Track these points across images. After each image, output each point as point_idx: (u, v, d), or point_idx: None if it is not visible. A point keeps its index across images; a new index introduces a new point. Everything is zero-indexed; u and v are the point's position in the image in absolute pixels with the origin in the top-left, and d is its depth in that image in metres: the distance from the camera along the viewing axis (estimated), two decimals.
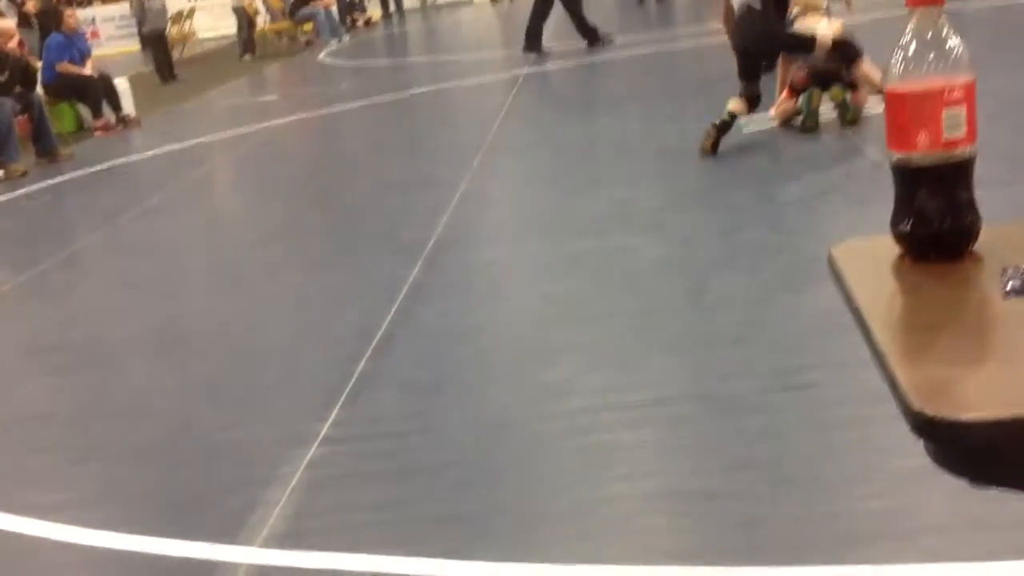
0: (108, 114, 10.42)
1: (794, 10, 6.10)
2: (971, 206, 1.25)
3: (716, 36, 9.80)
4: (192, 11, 19.98)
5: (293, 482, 2.79)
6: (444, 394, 3.26)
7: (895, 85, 1.25)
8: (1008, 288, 1.11)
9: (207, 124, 10.29)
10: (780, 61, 6.39)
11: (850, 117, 5.74)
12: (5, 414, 3.70)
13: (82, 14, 17.65)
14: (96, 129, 10.29)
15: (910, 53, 1.24)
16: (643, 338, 3.45)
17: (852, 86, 5.79)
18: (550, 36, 11.55)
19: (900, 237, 1.28)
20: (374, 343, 3.71)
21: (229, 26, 18.00)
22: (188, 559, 2.53)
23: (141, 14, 15.20)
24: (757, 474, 2.53)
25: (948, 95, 1.21)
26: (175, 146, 8.97)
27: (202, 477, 2.98)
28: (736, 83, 5.73)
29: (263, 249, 5.44)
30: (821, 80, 5.78)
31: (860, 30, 6.18)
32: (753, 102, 5.75)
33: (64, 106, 10.41)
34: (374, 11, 20.69)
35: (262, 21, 17.42)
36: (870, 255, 1.31)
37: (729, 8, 6.11)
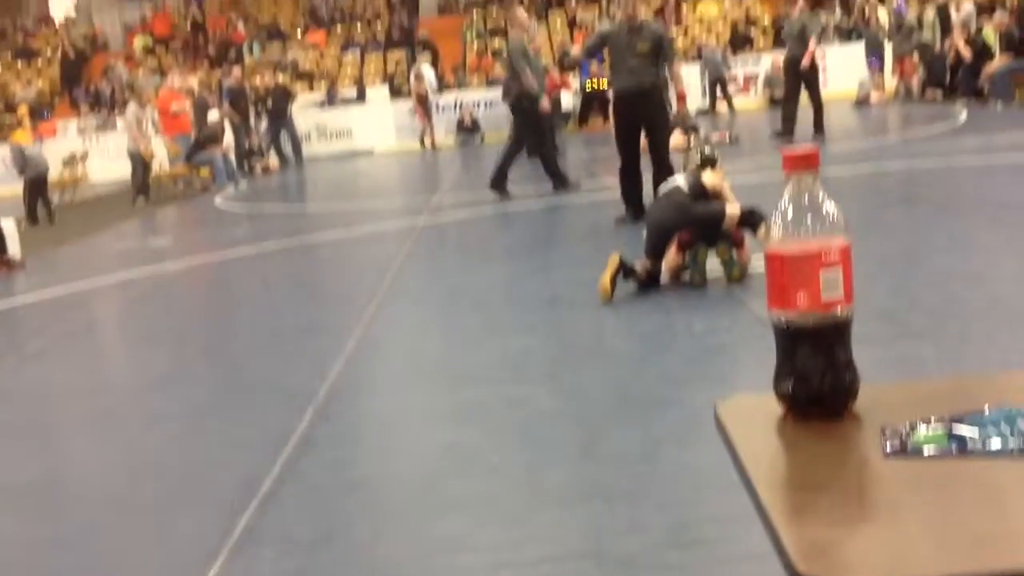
0: None
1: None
2: (849, 366, 1.29)
3: (608, 192, 10.08)
4: (85, 154, 19.88)
5: None
6: (332, 550, 3.16)
7: (774, 247, 1.29)
8: (888, 449, 1.13)
9: (94, 268, 10.10)
10: None
11: (735, 274, 5.92)
12: None
13: None
14: None
15: (788, 216, 1.28)
16: (536, 492, 3.42)
17: (737, 244, 5.99)
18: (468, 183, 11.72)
19: (782, 396, 1.31)
20: (259, 496, 3.60)
21: (123, 169, 17.90)
22: None
23: (21, 160, 15.05)
24: None
25: (825, 257, 1.26)
26: (60, 290, 8.77)
27: None
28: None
29: (145, 397, 5.29)
30: (707, 238, 5.98)
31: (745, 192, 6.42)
32: (655, 280, 6.00)
33: None
34: (272, 158, 20.84)
35: (158, 165, 17.36)
36: (754, 412, 1.32)
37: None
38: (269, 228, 11.87)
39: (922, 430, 1.15)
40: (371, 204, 13.45)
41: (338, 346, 5.55)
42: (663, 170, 8.29)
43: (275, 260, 9.38)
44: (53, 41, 28.13)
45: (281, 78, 22.33)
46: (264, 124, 21.00)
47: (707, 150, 6.76)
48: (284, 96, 21.01)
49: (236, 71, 21.56)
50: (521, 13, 10.82)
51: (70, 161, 19.42)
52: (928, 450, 1.11)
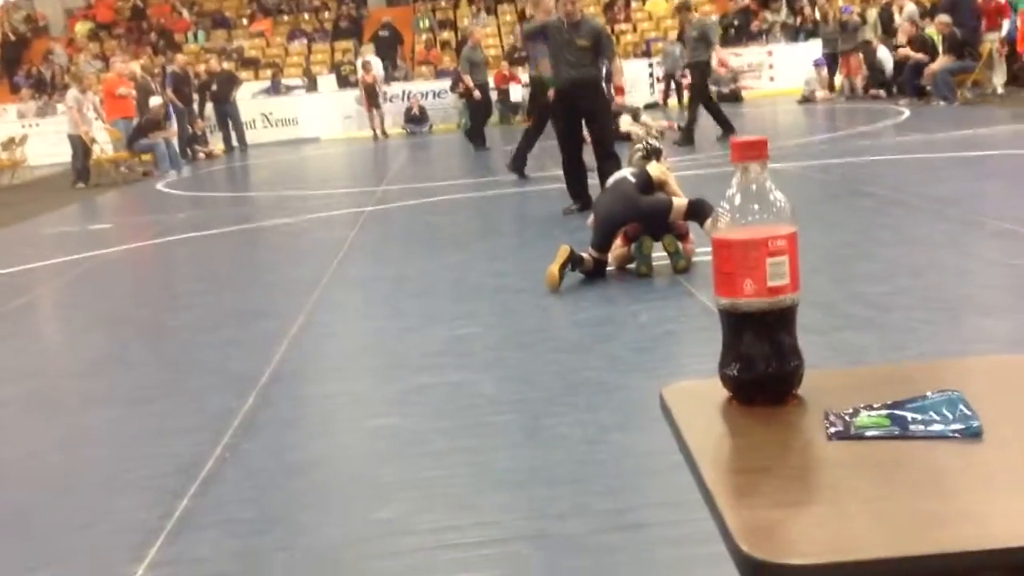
0: None
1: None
2: (795, 351, 1.29)
3: (554, 180, 10.10)
4: (24, 138, 19.52)
5: None
6: (272, 533, 3.13)
7: (721, 233, 1.29)
8: (832, 432, 1.14)
9: (32, 251, 9.92)
10: None
11: (681, 265, 5.95)
12: None
13: None
14: None
15: (736, 204, 1.29)
16: (480, 476, 3.42)
17: (683, 236, 6.03)
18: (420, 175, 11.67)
19: (727, 380, 1.31)
20: (199, 479, 3.56)
21: (63, 154, 17.60)
22: None
23: None
24: None
25: (772, 245, 1.26)
26: None
27: None
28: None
29: (83, 381, 5.21)
30: (653, 229, 6.01)
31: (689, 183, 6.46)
32: (602, 271, 6.05)
33: None
34: (217, 144, 20.61)
35: (98, 150, 17.08)
36: (700, 397, 1.33)
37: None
38: (212, 213, 11.73)
39: (865, 414, 1.16)
40: (317, 191, 13.36)
41: (281, 331, 5.50)
42: (608, 160, 8.32)
43: (218, 245, 9.28)
44: None
45: (226, 65, 22.06)
46: (208, 109, 20.79)
47: (652, 142, 6.81)
48: (229, 81, 20.79)
49: (180, 57, 21.30)
50: None
51: (8, 145, 19.07)
52: (871, 433, 1.13)
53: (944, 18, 16.16)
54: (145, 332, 6.13)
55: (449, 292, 6.23)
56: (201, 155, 19.81)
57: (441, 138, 20.26)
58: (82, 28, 27.00)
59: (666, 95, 21.54)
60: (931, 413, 1.14)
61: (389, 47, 24.12)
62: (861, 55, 19.00)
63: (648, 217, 6.02)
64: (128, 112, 17.50)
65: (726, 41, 23.19)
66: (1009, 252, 5.82)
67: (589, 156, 8.78)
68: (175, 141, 18.17)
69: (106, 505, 3.50)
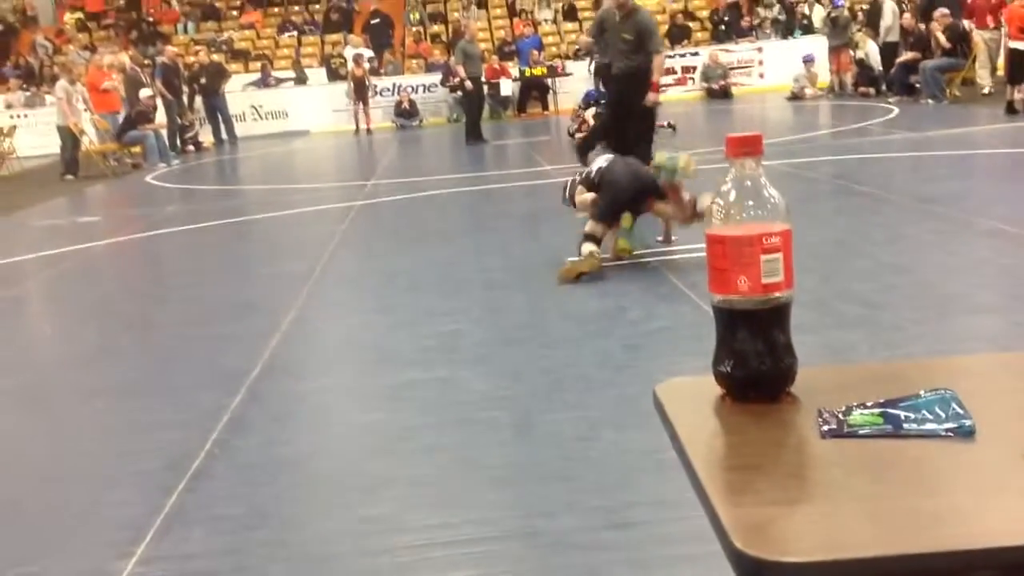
0: None
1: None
2: (788, 349, 1.29)
3: (545, 176, 10.10)
4: (12, 129, 19.42)
5: None
6: (261, 529, 3.13)
7: (716, 230, 1.29)
8: (825, 429, 1.15)
9: (20, 244, 9.88)
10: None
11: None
12: None
13: None
14: None
15: (730, 200, 1.29)
16: (470, 473, 3.42)
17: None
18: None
19: (721, 377, 1.31)
20: (188, 475, 3.55)
21: (52, 145, 17.52)
22: None
23: None
24: None
25: (766, 241, 1.26)
26: None
27: None
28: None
29: (72, 373, 5.19)
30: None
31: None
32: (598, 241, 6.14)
33: None
34: (206, 137, 20.54)
35: (87, 142, 17.00)
36: (693, 394, 1.33)
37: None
38: (202, 207, 11.70)
39: (858, 412, 1.16)
40: (307, 184, 13.33)
41: (271, 326, 5.49)
42: (639, 146, 8.64)
43: (208, 239, 9.26)
44: None
45: (215, 57, 21.98)
46: (198, 102, 20.72)
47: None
48: (218, 74, 20.73)
49: (169, 49, 21.22)
50: None
51: None
52: (864, 431, 1.13)
53: (944, 11, 16.14)
54: (134, 326, 6.11)
55: (439, 287, 6.22)
56: (191, 147, 19.73)
57: (431, 132, 20.23)
58: (71, 18, 26.87)
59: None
60: (924, 412, 1.14)
61: (382, 34, 24.11)
62: (851, 52, 19.02)
63: (656, 194, 6.14)
64: (114, 106, 17.43)
65: (716, 37, 23.26)
66: (997, 250, 5.84)
67: None
68: (164, 133, 18.10)
69: (95, 500, 3.49)
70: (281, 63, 24.65)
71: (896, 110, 15.14)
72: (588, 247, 5.95)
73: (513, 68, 21.96)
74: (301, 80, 23.44)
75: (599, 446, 3.52)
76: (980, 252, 5.90)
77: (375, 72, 22.23)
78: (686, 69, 22.32)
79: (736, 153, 1.28)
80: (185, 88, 20.47)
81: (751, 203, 1.28)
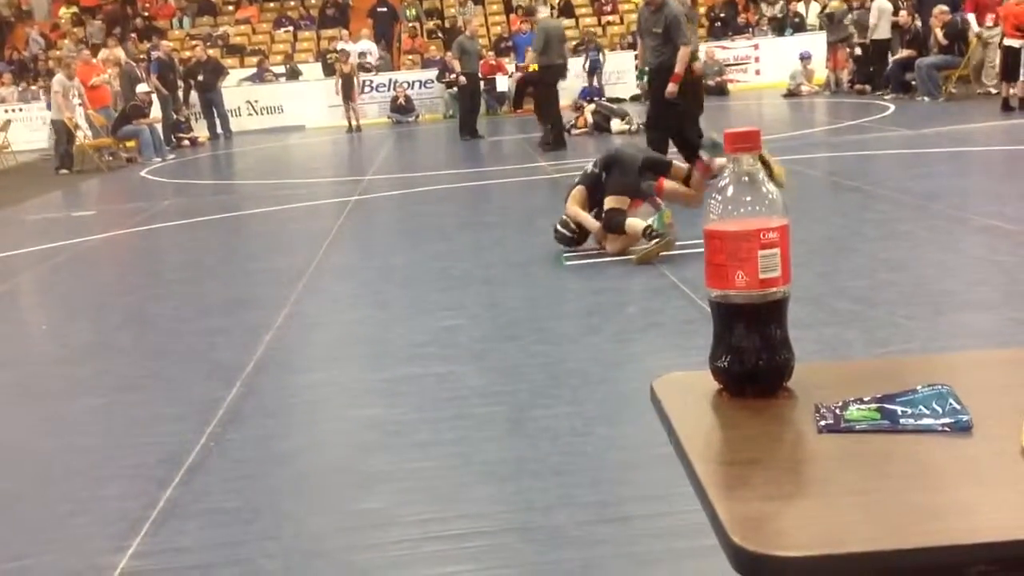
0: None
1: None
2: (785, 344, 1.29)
3: (540, 172, 10.10)
4: (7, 123, 19.38)
5: None
6: (257, 523, 3.12)
7: (713, 225, 1.29)
8: (822, 425, 1.15)
9: (15, 238, 9.85)
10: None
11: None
12: None
13: None
14: None
15: (728, 195, 1.28)
16: (465, 467, 3.42)
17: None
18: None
19: (717, 372, 1.31)
20: (183, 469, 3.55)
21: (47, 139, 17.48)
22: None
23: None
24: None
25: (764, 237, 1.26)
26: None
27: None
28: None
29: (67, 368, 5.18)
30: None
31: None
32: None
33: None
34: (201, 132, 20.51)
35: (82, 136, 16.97)
36: (690, 389, 1.33)
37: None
38: (197, 201, 11.69)
39: (855, 407, 1.17)
40: (302, 179, 13.31)
41: (267, 320, 5.49)
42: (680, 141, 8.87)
43: (203, 233, 9.24)
44: None
45: (211, 52, 21.93)
46: (193, 97, 20.68)
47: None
48: (215, 71, 20.69)
49: (165, 44, 21.17)
50: None
51: None
52: (861, 426, 1.13)
53: (943, 8, 16.13)
54: (129, 320, 6.10)
55: (435, 282, 6.22)
56: (186, 142, 19.70)
57: (428, 128, 20.21)
58: (66, 12, 26.80)
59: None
60: (921, 407, 1.14)
61: (386, 23, 24.12)
62: (847, 48, 19.02)
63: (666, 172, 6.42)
64: (105, 101, 17.39)
65: (713, 34, 23.25)
66: (992, 247, 5.85)
67: None
68: (159, 127, 18.07)
69: (90, 494, 3.48)
70: (277, 58, 24.61)
71: (892, 107, 15.15)
72: (636, 224, 6.15)
73: (509, 64, 21.93)
74: (294, 75, 23.40)
75: (593, 441, 3.52)
76: (975, 249, 5.91)
77: (373, 66, 22.20)
78: None
79: (734, 148, 1.28)
80: (180, 83, 20.43)
81: (748, 198, 1.27)
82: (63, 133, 16.45)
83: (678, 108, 9.15)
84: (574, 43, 21.75)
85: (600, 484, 3.17)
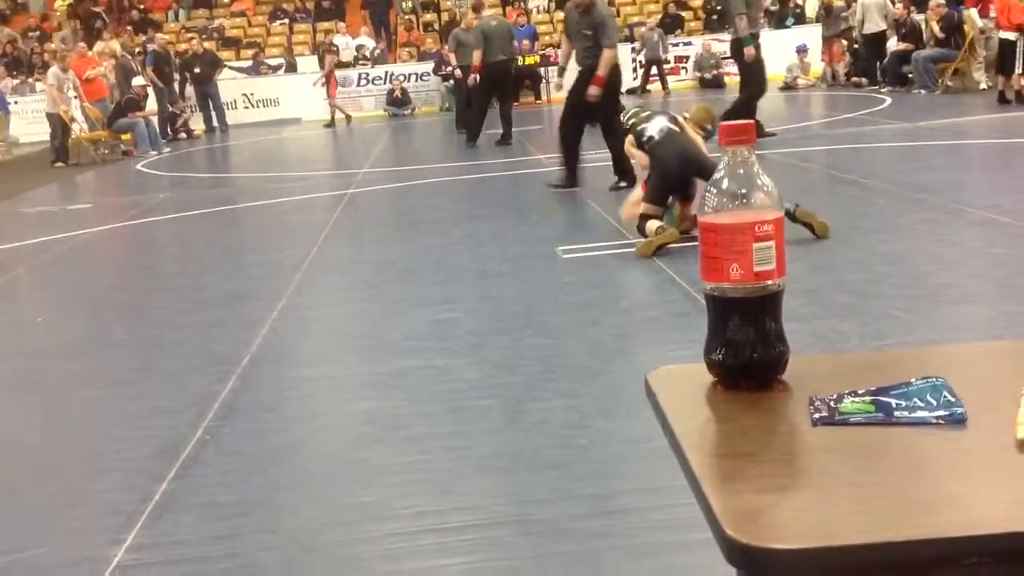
0: None
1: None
2: (780, 337, 1.29)
3: (536, 165, 10.09)
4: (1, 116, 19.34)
5: None
6: (253, 516, 3.13)
7: (708, 218, 1.29)
8: (816, 417, 1.15)
9: (10, 231, 9.84)
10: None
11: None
12: None
13: None
14: None
15: (723, 187, 1.28)
16: (461, 460, 3.42)
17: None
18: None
19: (712, 365, 1.31)
20: (179, 462, 3.55)
21: (43, 132, 17.44)
22: None
23: None
24: None
25: (759, 229, 1.26)
26: None
27: None
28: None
29: (63, 361, 5.18)
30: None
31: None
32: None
33: None
34: (197, 125, 20.47)
35: (78, 129, 16.93)
36: (685, 382, 1.33)
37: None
38: (193, 194, 11.67)
39: (849, 400, 1.17)
40: (298, 172, 13.30)
41: (263, 313, 5.48)
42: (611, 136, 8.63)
43: (199, 226, 9.23)
44: None
45: (207, 45, 21.88)
46: (189, 89, 20.64)
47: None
48: (212, 64, 20.65)
49: (160, 36, 21.12)
50: None
51: None
52: (855, 419, 1.13)
53: (940, 1, 16.10)
54: (125, 313, 6.10)
55: (431, 276, 6.21)
56: (182, 135, 19.67)
57: (424, 121, 20.18)
58: (62, 5, 26.73)
59: (645, 83, 21.47)
60: (915, 399, 1.14)
61: (382, 12, 24.08)
62: (844, 42, 19.00)
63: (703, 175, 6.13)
64: (101, 93, 17.36)
65: (709, 27, 23.22)
66: (989, 240, 5.85)
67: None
68: (155, 120, 18.03)
69: (86, 487, 3.48)
70: (272, 51, 24.56)
71: (888, 100, 15.14)
72: (653, 225, 6.11)
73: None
74: (291, 67, 23.36)
75: (590, 434, 3.52)
76: (972, 242, 5.91)
77: (375, 59, 22.19)
78: (679, 59, 22.29)
79: (729, 141, 1.28)
80: (176, 75, 20.38)
81: (744, 191, 1.27)
82: (58, 126, 16.41)
83: (596, 110, 9.06)
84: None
85: (596, 477, 3.17)
